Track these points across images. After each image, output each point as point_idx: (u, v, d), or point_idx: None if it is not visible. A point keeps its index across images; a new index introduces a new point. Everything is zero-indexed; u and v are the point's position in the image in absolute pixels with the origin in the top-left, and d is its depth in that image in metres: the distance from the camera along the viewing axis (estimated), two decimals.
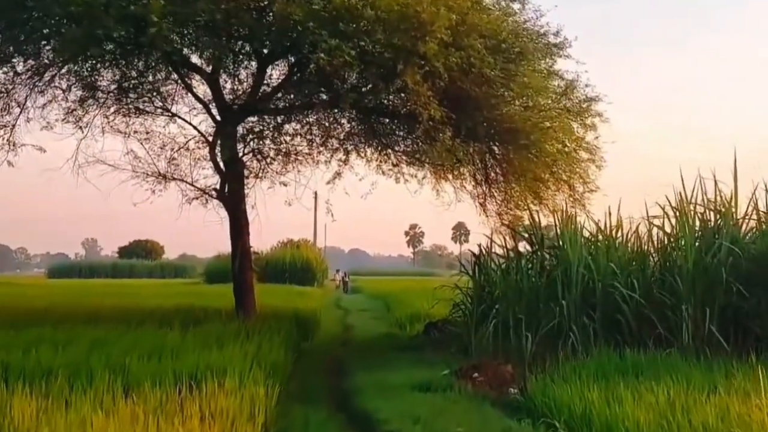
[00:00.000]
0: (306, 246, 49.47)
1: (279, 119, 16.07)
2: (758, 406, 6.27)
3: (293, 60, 13.96)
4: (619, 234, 12.63)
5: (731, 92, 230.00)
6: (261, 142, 16.14)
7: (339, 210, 16.07)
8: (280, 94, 15.16)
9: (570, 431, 6.97)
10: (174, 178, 15.99)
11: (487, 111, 12.52)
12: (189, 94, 15.50)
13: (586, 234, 12.77)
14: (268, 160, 16.47)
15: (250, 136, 15.74)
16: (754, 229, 11.68)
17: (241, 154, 15.38)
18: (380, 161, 16.41)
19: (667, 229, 12.02)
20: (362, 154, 16.38)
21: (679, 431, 6.15)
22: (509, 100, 12.87)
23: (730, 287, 10.32)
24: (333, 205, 15.98)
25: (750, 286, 10.26)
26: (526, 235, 13.99)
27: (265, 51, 13.49)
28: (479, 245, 13.95)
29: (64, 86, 14.42)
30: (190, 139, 16.30)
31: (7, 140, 14.44)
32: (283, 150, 16.44)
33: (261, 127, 16.02)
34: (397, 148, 16.19)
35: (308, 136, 16.39)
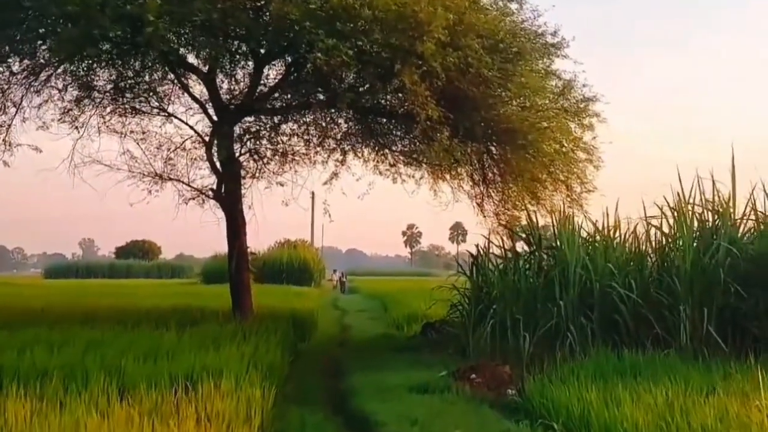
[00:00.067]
0: (303, 246, 49.43)
1: (276, 119, 16.02)
2: (757, 407, 6.26)
3: (290, 60, 13.93)
4: (617, 234, 12.64)
5: (732, 93, 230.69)
6: (258, 142, 16.11)
7: (336, 210, 16.02)
8: (277, 94, 15.11)
9: None
10: (170, 179, 15.94)
11: (485, 111, 12.49)
12: (185, 94, 15.45)
13: (584, 234, 12.76)
14: (265, 160, 16.44)
15: (247, 136, 15.71)
16: (752, 230, 11.67)
17: (237, 154, 15.33)
18: (377, 161, 16.39)
19: (665, 229, 12.00)
20: (359, 154, 16.35)
21: None
22: (507, 100, 12.85)
23: (728, 288, 10.30)
24: (330, 205, 15.89)
25: (748, 286, 10.23)
26: (524, 236, 13.97)
27: (262, 51, 13.45)
28: (477, 245, 13.92)
29: (60, 86, 14.35)
30: (186, 139, 16.25)
31: (3, 140, 14.37)
32: (280, 150, 16.41)
33: (258, 127, 15.99)
34: (394, 148, 16.16)
35: (305, 136, 16.37)
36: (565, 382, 8.15)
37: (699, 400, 6.93)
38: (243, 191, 15.54)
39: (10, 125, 14.40)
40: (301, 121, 16.12)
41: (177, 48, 12.20)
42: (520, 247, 13.83)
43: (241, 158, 15.68)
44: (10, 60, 13.11)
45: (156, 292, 28.12)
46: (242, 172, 15.68)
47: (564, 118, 13.60)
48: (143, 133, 15.96)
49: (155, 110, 15.83)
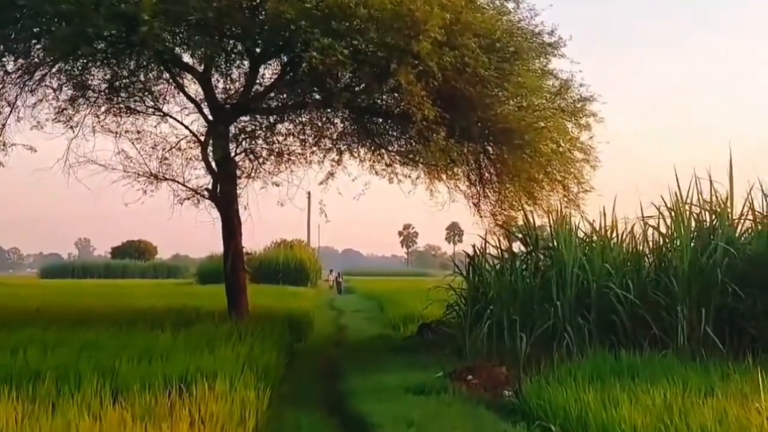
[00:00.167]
0: (299, 246, 49.37)
1: (271, 119, 15.98)
2: (757, 409, 6.20)
3: (286, 59, 13.88)
4: (614, 234, 12.59)
5: (730, 92, 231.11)
6: (253, 142, 16.09)
7: (332, 210, 15.99)
8: (272, 94, 15.07)
9: None
10: (166, 178, 15.89)
11: (481, 111, 12.46)
12: (181, 94, 15.42)
13: (581, 234, 12.72)
14: (261, 160, 16.42)
15: (243, 135, 15.65)
16: (750, 230, 11.64)
17: (233, 154, 15.28)
18: (373, 161, 16.35)
19: (663, 229, 11.96)
20: (355, 154, 16.32)
21: None
22: (503, 99, 12.82)
23: (725, 288, 10.27)
24: (326, 205, 15.87)
25: (745, 287, 10.19)
26: (521, 236, 13.94)
27: (258, 50, 13.40)
28: (473, 246, 13.88)
29: (54, 85, 14.31)
30: (181, 139, 16.22)
31: None
32: (276, 150, 16.38)
33: (253, 127, 15.95)
34: (390, 148, 16.12)
35: (301, 136, 16.34)
36: (563, 383, 8.10)
37: (697, 402, 6.89)
38: (239, 191, 15.54)
39: (4, 125, 14.35)
40: (297, 121, 16.09)
41: (172, 47, 12.17)
42: (517, 247, 13.79)
43: (237, 158, 15.64)
44: (4, 59, 13.07)
45: (151, 293, 28.09)
46: (238, 172, 15.66)
47: (561, 118, 13.57)
48: (138, 132, 15.94)
49: (150, 110, 15.78)
